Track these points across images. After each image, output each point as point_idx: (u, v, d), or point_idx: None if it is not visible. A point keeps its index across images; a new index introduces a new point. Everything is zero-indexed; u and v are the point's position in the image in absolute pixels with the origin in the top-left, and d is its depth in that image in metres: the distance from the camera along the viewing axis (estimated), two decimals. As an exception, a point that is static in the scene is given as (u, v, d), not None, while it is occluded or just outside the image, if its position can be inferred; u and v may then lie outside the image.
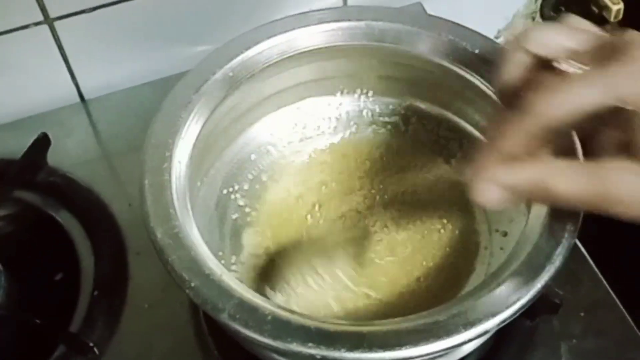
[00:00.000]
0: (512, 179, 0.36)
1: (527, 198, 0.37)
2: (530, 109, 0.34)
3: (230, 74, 0.49)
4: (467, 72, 0.49)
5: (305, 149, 0.56)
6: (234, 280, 0.40)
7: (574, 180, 0.35)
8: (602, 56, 0.35)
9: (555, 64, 0.38)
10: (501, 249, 0.48)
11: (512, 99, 0.38)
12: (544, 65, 0.38)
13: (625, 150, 0.36)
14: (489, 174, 0.36)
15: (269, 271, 0.49)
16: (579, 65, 0.37)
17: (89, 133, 0.65)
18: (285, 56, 0.51)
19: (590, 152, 0.37)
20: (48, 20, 0.60)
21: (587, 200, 0.35)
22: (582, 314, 0.49)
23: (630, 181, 0.34)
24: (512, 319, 0.38)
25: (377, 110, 0.56)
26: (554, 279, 0.39)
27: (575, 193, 0.34)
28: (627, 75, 0.33)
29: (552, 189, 0.35)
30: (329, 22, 0.51)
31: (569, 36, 0.37)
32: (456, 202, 0.52)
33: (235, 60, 0.49)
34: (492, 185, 0.36)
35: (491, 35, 0.80)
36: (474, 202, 0.37)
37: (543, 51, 0.37)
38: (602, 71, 0.34)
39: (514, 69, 0.38)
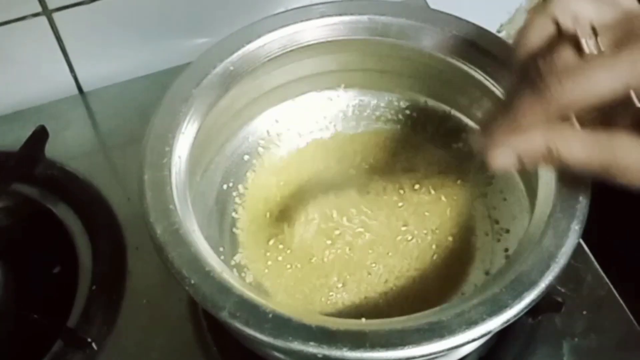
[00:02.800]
0: (525, 146, 0.37)
1: (539, 163, 0.37)
2: (546, 92, 0.35)
3: (231, 67, 0.49)
4: (470, 68, 0.48)
5: (306, 143, 0.55)
6: (235, 278, 0.40)
7: (583, 148, 0.36)
8: (622, 38, 0.34)
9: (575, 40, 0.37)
10: (504, 247, 0.48)
11: (527, 66, 0.37)
12: (563, 39, 0.37)
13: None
14: (504, 142, 0.37)
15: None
16: (598, 44, 0.36)
17: (87, 125, 0.64)
18: (287, 50, 0.50)
19: (605, 122, 0.37)
20: (46, 12, 0.59)
21: (595, 167, 0.36)
22: (585, 312, 0.49)
23: (636, 152, 0.35)
24: (515, 318, 0.37)
25: (380, 105, 0.56)
26: (558, 278, 0.38)
27: (583, 159, 0.36)
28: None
29: (562, 155, 0.36)
30: (331, 15, 0.50)
31: (597, 8, 0.37)
32: (459, 199, 0.51)
33: (237, 54, 0.49)
34: (507, 151, 0.37)
35: (493, 29, 0.79)
36: (491, 168, 0.38)
37: (569, 20, 0.37)
38: (619, 58, 0.34)
39: (536, 34, 0.38)
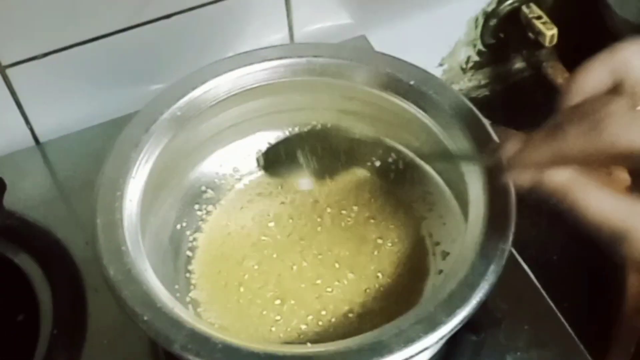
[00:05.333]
0: (553, 177, 0.37)
1: (556, 197, 0.37)
2: (600, 130, 0.35)
3: (179, 113, 0.51)
4: (404, 102, 0.51)
5: (257, 181, 0.58)
6: (186, 312, 0.42)
7: (601, 204, 0.35)
8: None
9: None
10: (442, 271, 0.50)
11: (581, 105, 0.38)
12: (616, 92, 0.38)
13: None
14: (537, 164, 0.37)
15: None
16: None
17: (45, 175, 0.66)
18: (231, 94, 0.53)
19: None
20: (0, 68, 0.61)
21: (608, 229, 0.35)
22: (526, 327, 0.51)
23: None
24: (450, 334, 0.40)
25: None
26: (489, 295, 0.41)
27: (599, 217, 0.35)
28: None
29: (580, 204, 0.36)
30: (272, 59, 0.53)
31: None
32: (404, 225, 0.54)
33: (183, 100, 0.51)
34: (534, 173, 0.37)
35: (436, 62, 0.83)
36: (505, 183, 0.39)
37: (625, 74, 0.37)
38: None
39: (592, 80, 0.38)
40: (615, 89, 0.38)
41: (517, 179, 0.38)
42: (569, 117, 0.36)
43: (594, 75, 0.38)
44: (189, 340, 0.39)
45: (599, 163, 0.36)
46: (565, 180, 0.36)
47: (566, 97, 0.39)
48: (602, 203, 0.35)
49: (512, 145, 0.38)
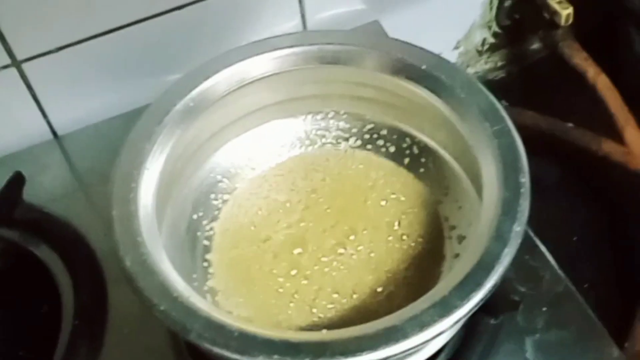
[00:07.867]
0: None
1: None
2: None
3: (191, 104, 0.52)
4: (416, 87, 0.51)
5: (270, 169, 0.58)
6: (202, 301, 0.42)
7: None
8: None
9: None
10: (458, 254, 0.50)
11: None
12: None
13: None
14: None
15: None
16: None
17: (63, 168, 0.67)
18: (243, 83, 0.53)
19: None
20: (15, 63, 0.62)
21: None
22: (545, 309, 0.51)
23: None
24: (465, 318, 0.40)
25: (340, 128, 0.58)
26: (504, 277, 0.41)
27: None
28: None
29: None
30: (283, 48, 0.53)
31: None
32: (419, 209, 0.54)
33: (195, 91, 0.52)
34: None
35: (451, 46, 0.83)
36: None
37: None
38: None
39: None
40: None
41: None
42: None
43: None
44: (205, 329, 0.40)
45: None
46: None
47: None
48: None
49: None
